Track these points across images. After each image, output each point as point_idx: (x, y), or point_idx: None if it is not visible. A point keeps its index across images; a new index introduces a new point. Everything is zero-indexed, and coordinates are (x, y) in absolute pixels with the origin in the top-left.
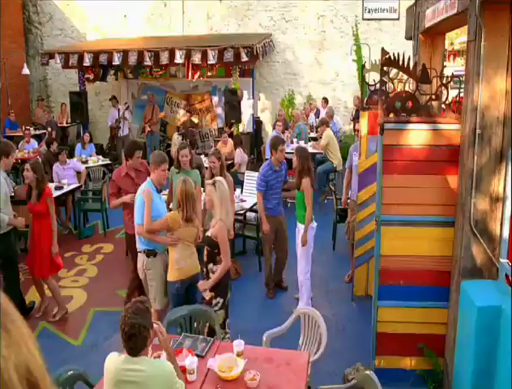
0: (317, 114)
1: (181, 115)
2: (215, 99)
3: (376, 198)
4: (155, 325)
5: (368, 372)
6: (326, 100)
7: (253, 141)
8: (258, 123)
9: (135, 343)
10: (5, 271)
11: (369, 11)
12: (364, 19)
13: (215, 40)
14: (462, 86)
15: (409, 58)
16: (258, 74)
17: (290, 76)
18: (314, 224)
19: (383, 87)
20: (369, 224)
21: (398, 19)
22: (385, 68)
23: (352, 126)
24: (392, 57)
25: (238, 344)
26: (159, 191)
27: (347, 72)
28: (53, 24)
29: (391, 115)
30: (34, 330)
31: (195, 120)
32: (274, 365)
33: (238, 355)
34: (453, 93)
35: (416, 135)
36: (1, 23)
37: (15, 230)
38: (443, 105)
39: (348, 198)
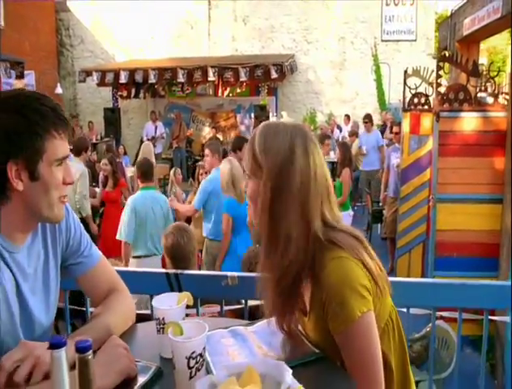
0: (339, 130)
1: (207, 132)
2: (240, 117)
3: (432, 179)
4: None
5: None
6: (348, 117)
7: None
8: None
9: None
10: None
11: (387, 33)
12: (382, 41)
13: (241, 60)
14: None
15: (461, 56)
16: (281, 94)
17: (312, 95)
18: (351, 212)
19: (438, 80)
20: (412, 216)
21: (415, 40)
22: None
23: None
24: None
25: None
26: None
27: (367, 91)
28: (84, 46)
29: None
30: None
31: (220, 137)
32: None
33: None
34: None
35: (467, 122)
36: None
37: None
38: (488, 98)
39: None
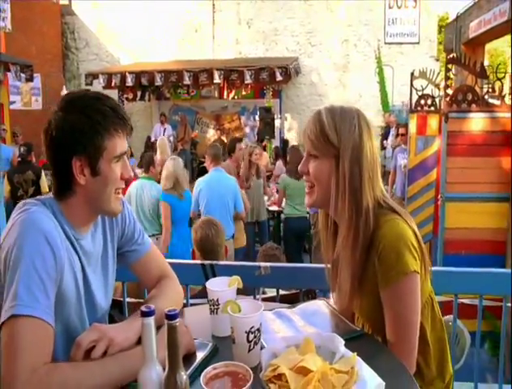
0: None
1: (212, 135)
2: (244, 119)
3: (439, 179)
4: None
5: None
6: None
7: None
8: (285, 143)
9: None
10: None
11: (390, 36)
12: (386, 43)
13: (247, 62)
14: None
15: (469, 58)
16: (285, 96)
17: (315, 97)
18: None
19: (447, 83)
20: (419, 216)
21: (418, 42)
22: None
23: (378, 142)
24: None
25: None
26: None
27: (370, 93)
28: (89, 49)
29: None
30: None
31: (224, 139)
32: None
33: None
34: None
35: (475, 123)
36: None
37: None
38: (490, 100)
39: (393, 196)
